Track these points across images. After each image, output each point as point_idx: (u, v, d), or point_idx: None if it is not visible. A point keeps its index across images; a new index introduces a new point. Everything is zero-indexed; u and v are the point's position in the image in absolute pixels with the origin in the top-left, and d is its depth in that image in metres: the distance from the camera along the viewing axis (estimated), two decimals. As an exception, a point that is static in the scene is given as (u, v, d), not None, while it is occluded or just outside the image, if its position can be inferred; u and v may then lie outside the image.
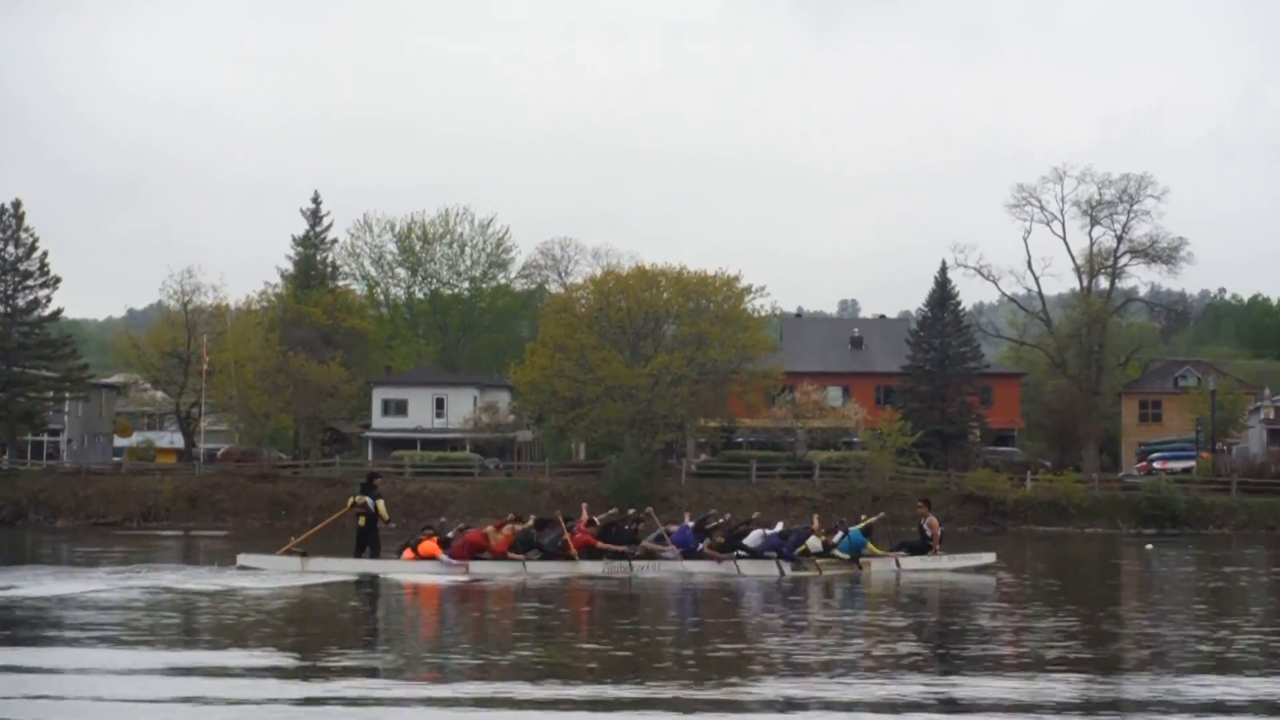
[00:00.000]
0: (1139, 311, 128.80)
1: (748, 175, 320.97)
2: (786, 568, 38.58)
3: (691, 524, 40.96)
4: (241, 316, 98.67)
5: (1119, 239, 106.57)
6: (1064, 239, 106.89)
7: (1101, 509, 79.40)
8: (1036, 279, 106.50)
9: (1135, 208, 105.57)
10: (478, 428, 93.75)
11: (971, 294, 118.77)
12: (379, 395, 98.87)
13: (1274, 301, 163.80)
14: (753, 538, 39.99)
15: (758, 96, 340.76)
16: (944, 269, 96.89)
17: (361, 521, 38.10)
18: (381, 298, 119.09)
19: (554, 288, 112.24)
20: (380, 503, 38.40)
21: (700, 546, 39.58)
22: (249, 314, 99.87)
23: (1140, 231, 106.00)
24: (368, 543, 37.97)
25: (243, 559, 37.81)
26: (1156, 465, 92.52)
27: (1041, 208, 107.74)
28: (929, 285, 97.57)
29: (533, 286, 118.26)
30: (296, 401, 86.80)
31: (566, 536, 38.21)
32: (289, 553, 37.67)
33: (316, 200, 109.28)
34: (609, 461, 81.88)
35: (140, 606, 27.67)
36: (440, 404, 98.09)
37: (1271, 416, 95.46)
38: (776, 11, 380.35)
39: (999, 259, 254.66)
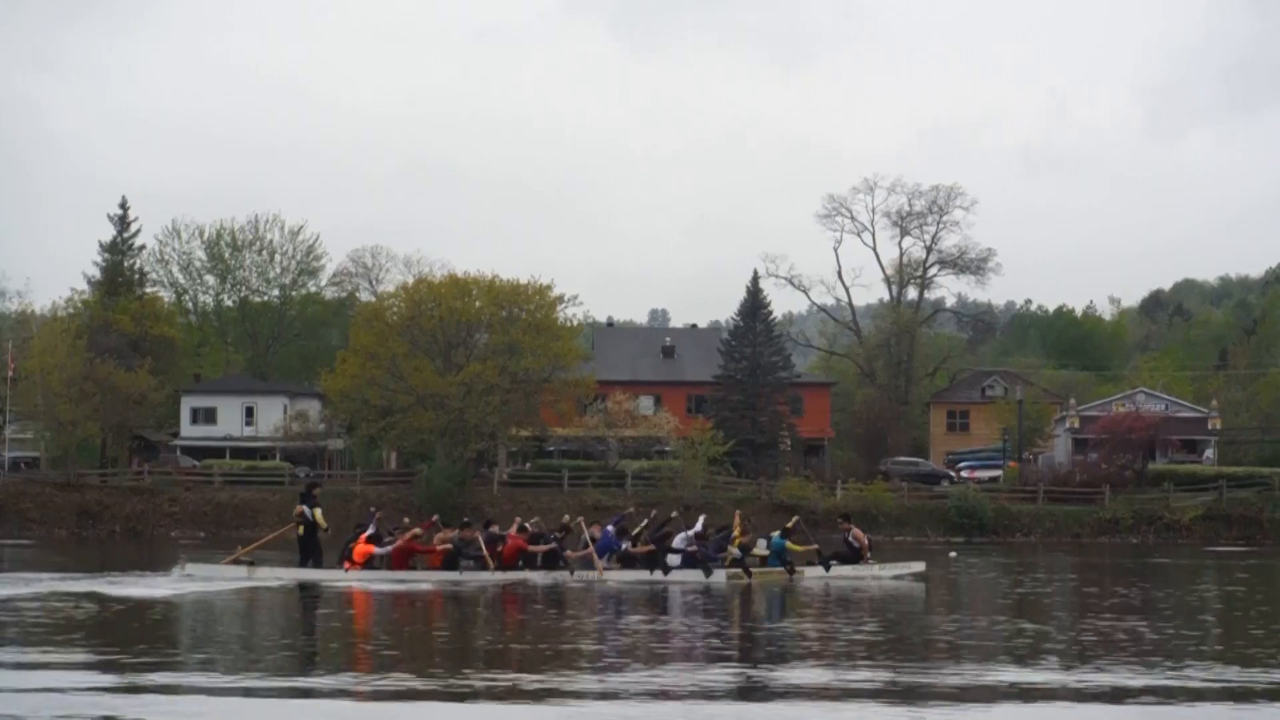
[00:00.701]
0: (947, 322, 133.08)
1: (560, 183, 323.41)
2: (717, 574, 39.46)
3: (611, 528, 41.81)
4: (47, 324, 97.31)
5: (928, 249, 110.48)
6: (874, 249, 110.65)
7: (911, 517, 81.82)
8: (847, 289, 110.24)
9: (945, 218, 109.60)
10: (288, 436, 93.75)
11: (783, 304, 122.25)
12: (188, 403, 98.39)
13: (1078, 312, 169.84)
14: (678, 541, 40.75)
15: (570, 104, 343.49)
16: (755, 279, 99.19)
17: (300, 530, 39.05)
18: (190, 305, 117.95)
19: (365, 296, 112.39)
20: (318, 511, 39.29)
21: (624, 547, 40.70)
22: (55, 321, 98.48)
23: (949, 242, 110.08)
24: (310, 551, 38.94)
25: (190, 568, 38.17)
26: (964, 474, 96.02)
27: (852, 218, 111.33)
28: (740, 295, 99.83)
29: (343, 295, 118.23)
30: (104, 410, 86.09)
31: (484, 551, 38.88)
32: (236, 562, 38.41)
33: (124, 206, 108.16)
34: (421, 470, 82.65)
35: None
36: (250, 412, 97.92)
37: (1076, 426, 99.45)
38: (590, 19, 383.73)
39: (810, 269, 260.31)
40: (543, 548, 39.95)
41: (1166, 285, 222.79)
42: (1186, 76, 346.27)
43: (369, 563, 38.50)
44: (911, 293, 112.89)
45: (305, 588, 35.77)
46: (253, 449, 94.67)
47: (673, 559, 39.99)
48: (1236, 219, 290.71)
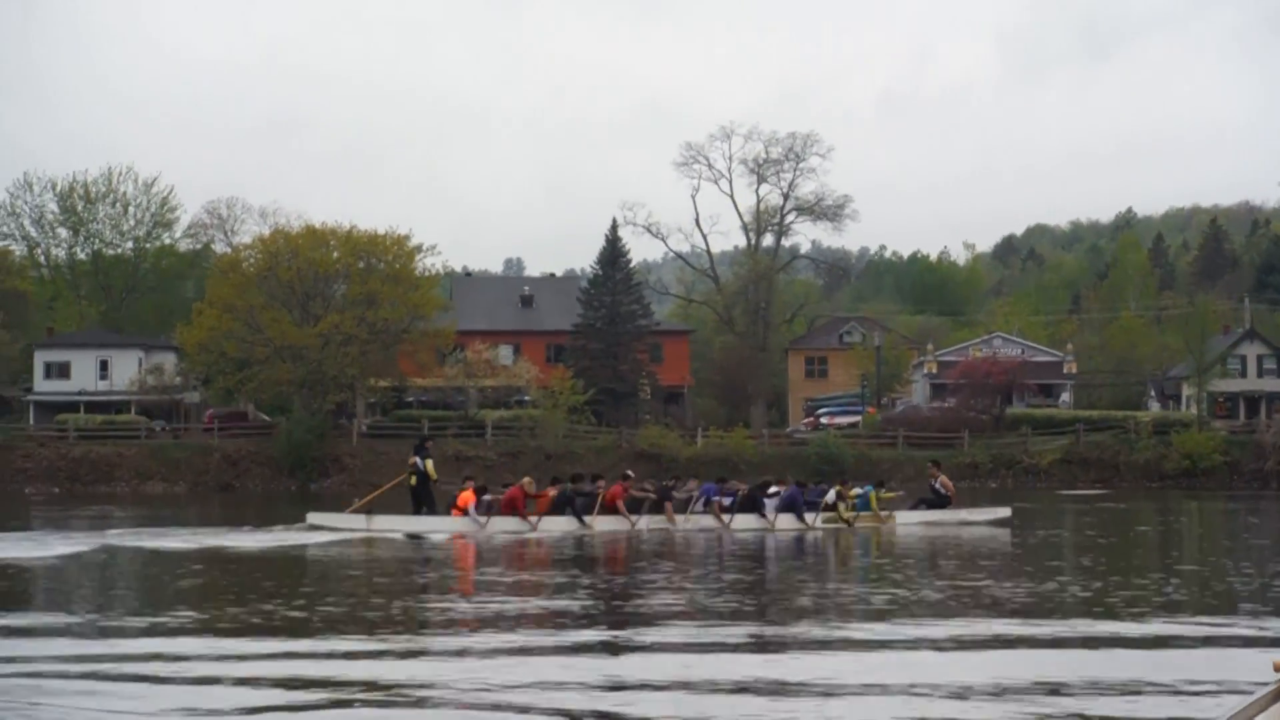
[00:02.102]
0: (805, 268, 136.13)
1: (415, 133, 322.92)
2: (813, 519, 42.12)
3: (713, 484, 44.25)
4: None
5: (785, 197, 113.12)
6: (731, 197, 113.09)
7: (772, 464, 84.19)
8: (704, 236, 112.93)
9: (801, 166, 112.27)
10: (143, 390, 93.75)
11: (641, 252, 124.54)
12: (41, 358, 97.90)
13: (933, 258, 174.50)
14: (774, 491, 43.14)
15: (426, 53, 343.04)
16: (614, 227, 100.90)
17: (413, 481, 41.46)
18: (43, 258, 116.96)
19: (220, 248, 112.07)
20: (429, 463, 41.72)
21: (725, 500, 42.62)
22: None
23: (806, 189, 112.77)
24: (423, 500, 41.32)
25: (312, 517, 40.72)
26: (824, 420, 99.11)
27: (709, 165, 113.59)
28: (598, 245, 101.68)
29: (198, 246, 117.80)
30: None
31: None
32: (355, 512, 40.64)
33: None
34: (280, 423, 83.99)
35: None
36: (104, 366, 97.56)
37: (934, 371, 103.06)
38: None
39: (669, 217, 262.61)
40: (648, 495, 42.02)
41: (1019, 230, 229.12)
42: (1044, 22, 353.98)
43: (477, 508, 40.50)
44: (769, 240, 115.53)
45: (415, 536, 38.04)
46: (108, 403, 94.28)
47: (769, 508, 42.41)
48: (1088, 164, 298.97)
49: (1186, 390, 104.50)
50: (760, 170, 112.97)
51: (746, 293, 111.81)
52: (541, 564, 30.98)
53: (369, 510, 40.86)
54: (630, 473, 45.67)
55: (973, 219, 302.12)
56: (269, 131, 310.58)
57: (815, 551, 35.14)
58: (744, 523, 41.81)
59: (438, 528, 39.50)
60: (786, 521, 42.01)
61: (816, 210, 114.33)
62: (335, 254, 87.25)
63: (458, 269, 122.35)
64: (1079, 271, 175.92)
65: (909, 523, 43.60)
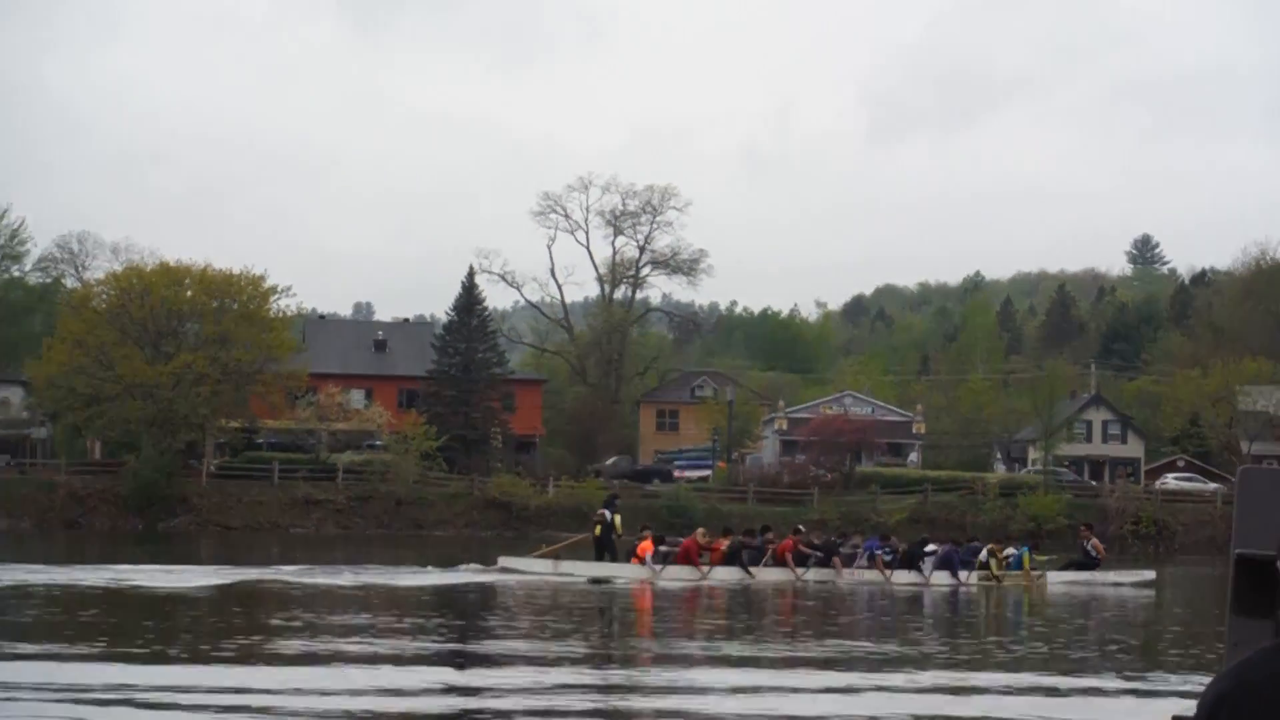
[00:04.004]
0: (658, 321, 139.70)
1: (269, 174, 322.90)
2: (967, 576, 46.30)
3: (877, 540, 49.09)
4: None
5: (641, 249, 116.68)
6: (587, 248, 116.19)
7: (623, 515, 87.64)
8: (559, 287, 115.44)
9: (658, 219, 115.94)
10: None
11: (496, 299, 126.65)
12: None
13: (785, 315, 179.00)
14: (931, 547, 47.83)
15: (283, 93, 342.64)
16: (470, 274, 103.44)
17: (598, 531, 46.81)
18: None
19: (71, 283, 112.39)
20: (617, 517, 47.29)
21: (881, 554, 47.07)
22: None
23: (663, 243, 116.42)
24: (605, 548, 46.28)
25: (503, 561, 45.70)
26: (675, 473, 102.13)
27: (566, 216, 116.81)
28: (453, 290, 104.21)
29: (48, 280, 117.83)
30: None
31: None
32: (543, 557, 46.24)
33: None
34: (128, 461, 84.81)
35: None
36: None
37: (785, 428, 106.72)
38: (317, 11, 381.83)
39: (525, 266, 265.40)
40: (815, 551, 46.44)
41: (869, 290, 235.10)
42: (909, 82, 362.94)
43: (655, 557, 45.06)
44: (624, 292, 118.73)
45: (597, 581, 42.77)
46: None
47: (927, 565, 46.61)
48: (939, 226, 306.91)
49: (1033, 453, 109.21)
50: (617, 222, 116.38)
51: (600, 344, 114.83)
52: (714, 610, 35.46)
53: (556, 556, 46.15)
54: (801, 528, 50.89)
55: (825, 277, 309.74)
56: (121, 168, 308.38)
57: (968, 607, 39.35)
58: (903, 578, 46.02)
59: (619, 574, 44.06)
60: (942, 578, 46.28)
61: (672, 264, 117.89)
62: (189, 293, 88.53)
63: (314, 311, 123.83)
64: (928, 333, 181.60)
65: (1059, 582, 47.74)
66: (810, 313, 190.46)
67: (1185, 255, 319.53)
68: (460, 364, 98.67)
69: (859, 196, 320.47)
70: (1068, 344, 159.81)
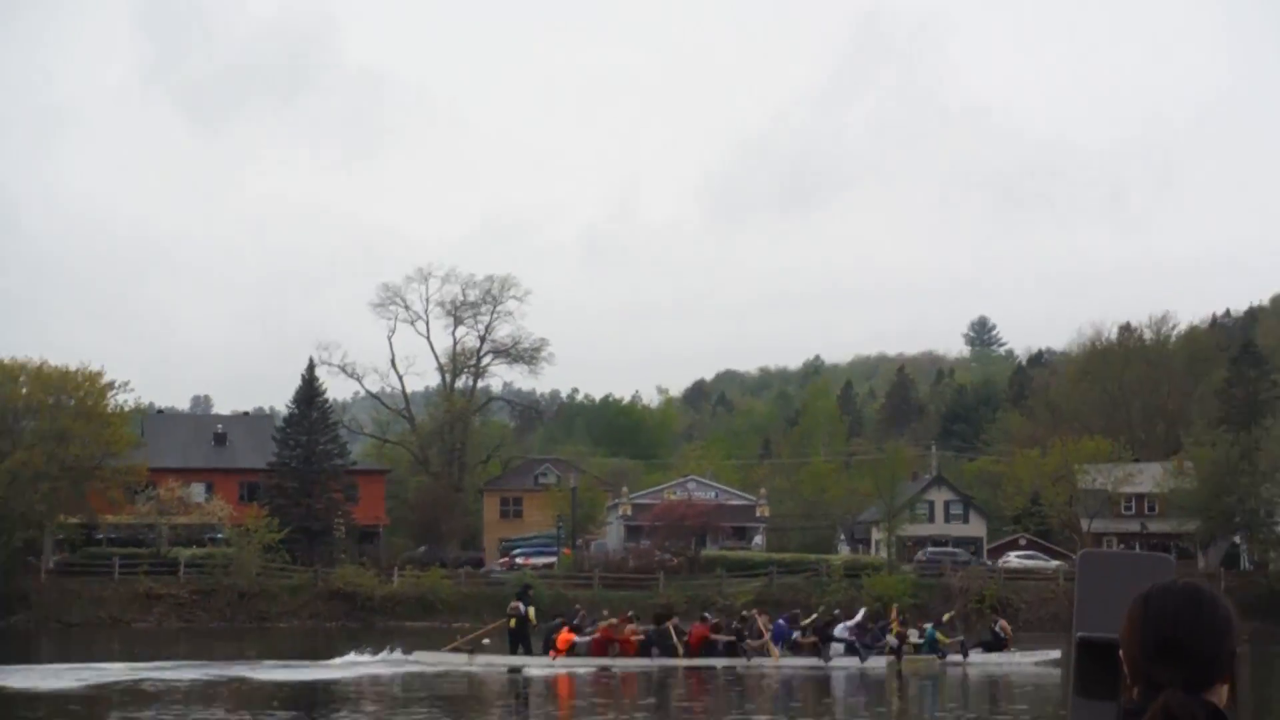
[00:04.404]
0: (500, 409, 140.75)
1: (109, 263, 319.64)
2: (874, 661, 47.27)
3: (784, 621, 49.81)
4: None
5: (482, 339, 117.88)
6: (428, 338, 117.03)
7: (468, 603, 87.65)
8: (400, 377, 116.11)
9: (499, 309, 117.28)
10: None
11: (338, 391, 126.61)
12: None
13: (626, 401, 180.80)
14: (839, 631, 48.78)
15: (123, 181, 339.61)
16: (311, 366, 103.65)
17: (513, 623, 47.24)
18: None
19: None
20: (531, 609, 47.88)
21: (795, 636, 48.37)
22: None
23: (503, 332, 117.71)
24: (519, 641, 46.88)
25: (417, 655, 46.51)
26: (519, 560, 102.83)
27: (406, 307, 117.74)
28: (293, 381, 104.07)
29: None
30: None
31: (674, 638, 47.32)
32: (456, 650, 46.72)
33: None
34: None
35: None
36: None
37: (629, 513, 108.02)
38: (158, 99, 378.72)
39: (366, 356, 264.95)
40: (725, 637, 47.89)
41: (710, 375, 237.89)
42: (750, 169, 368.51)
43: (571, 649, 46.17)
44: (466, 380, 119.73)
45: (515, 670, 44.17)
46: None
47: (835, 648, 47.65)
48: (779, 311, 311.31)
49: (876, 534, 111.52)
50: (457, 312, 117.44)
51: (442, 434, 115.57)
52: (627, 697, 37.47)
53: (471, 650, 46.88)
54: (707, 615, 52.35)
55: (666, 362, 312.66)
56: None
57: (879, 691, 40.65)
58: (810, 660, 47.81)
59: (534, 664, 45.35)
60: (848, 660, 47.92)
61: (513, 353, 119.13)
62: (24, 389, 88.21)
63: (152, 405, 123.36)
64: (769, 417, 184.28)
65: (970, 664, 49.17)
66: (652, 399, 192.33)
67: (1022, 337, 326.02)
68: (302, 456, 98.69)
69: (700, 283, 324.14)
70: (908, 426, 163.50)
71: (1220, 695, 3.61)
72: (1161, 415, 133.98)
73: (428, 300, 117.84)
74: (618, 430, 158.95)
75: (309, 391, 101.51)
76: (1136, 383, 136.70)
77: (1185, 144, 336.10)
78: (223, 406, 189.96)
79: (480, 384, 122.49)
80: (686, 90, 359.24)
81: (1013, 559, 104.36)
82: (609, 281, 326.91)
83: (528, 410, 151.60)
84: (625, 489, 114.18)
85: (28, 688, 37.23)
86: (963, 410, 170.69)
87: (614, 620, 49.57)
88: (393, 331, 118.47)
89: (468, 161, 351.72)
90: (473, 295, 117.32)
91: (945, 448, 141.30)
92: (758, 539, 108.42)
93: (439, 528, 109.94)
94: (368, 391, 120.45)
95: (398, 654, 47.98)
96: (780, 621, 50.72)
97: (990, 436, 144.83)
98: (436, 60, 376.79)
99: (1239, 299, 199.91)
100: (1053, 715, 34.46)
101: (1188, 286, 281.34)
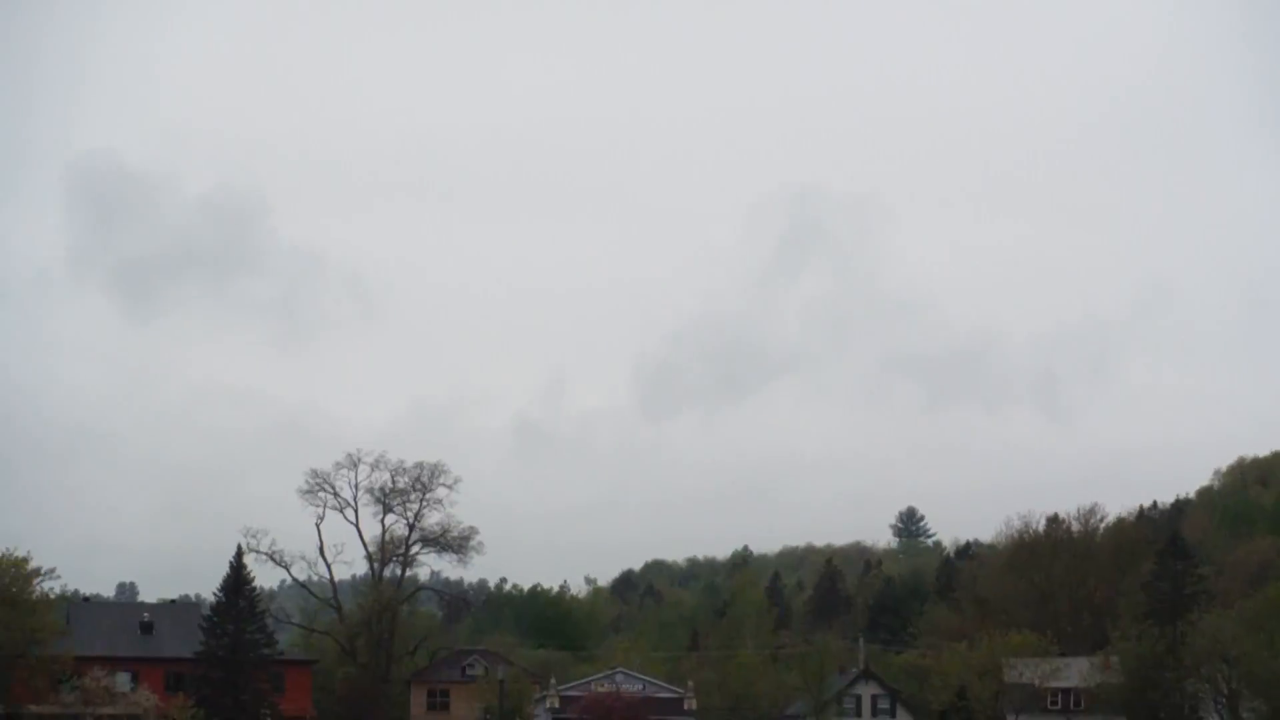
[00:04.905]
0: (429, 599, 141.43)
1: (36, 451, 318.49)
2: None
3: None
4: None
5: (411, 527, 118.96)
6: (356, 525, 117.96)
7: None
8: (329, 565, 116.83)
9: (428, 496, 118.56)
10: None
11: (265, 579, 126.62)
12: None
13: (555, 591, 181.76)
14: None
15: (51, 368, 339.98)
16: (239, 554, 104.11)
17: None
18: None
19: None
20: None
21: None
22: None
23: (432, 520, 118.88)
24: None
25: None
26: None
27: (335, 494, 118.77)
28: (221, 569, 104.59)
29: None
30: None
31: None
32: None
33: None
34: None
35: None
36: None
37: (557, 705, 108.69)
38: (90, 282, 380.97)
39: (294, 544, 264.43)
40: None
41: (638, 566, 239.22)
42: (682, 360, 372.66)
43: None
44: (394, 569, 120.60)
45: None
46: None
47: None
48: (708, 501, 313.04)
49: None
50: (386, 500, 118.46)
51: (370, 624, 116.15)
52: None
53: None
54: None
55: (595, 552, 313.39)
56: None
57: None
58: None
59: None
60: None
61: (442, 542, 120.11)
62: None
63: (74, 591, 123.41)
64: (697, 608, 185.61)
65: None
66: (580, 589, 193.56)
67: (950, 528, 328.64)
68: (228, 645, 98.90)
69: (630, 471, 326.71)
70: (836, 617, 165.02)
71: None
72: (1088, 608, 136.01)
73: (356, 487, 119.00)
74: (546, 620, 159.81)
75: (236, 579, 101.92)
76: (1064, 575, 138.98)
77: (1117, 336, 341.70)
78: (149, 594, 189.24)
79: (408, 573, 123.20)
80: (618, 277, 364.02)
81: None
82: (539, 469, 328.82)
83: (456, 600, 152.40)
84: (553, 680, 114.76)
85: None
86: (891, 602, 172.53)
87: None
88: (321, 519, 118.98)
89: (398, 346, 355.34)
90: (402, 482, 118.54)
91: (873, 640, 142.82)
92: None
93: (366, 719, 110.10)
94: (295, 580, 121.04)
95: None
96: None
97: (918, 629, 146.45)
98: (368, 244, 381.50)
99: (1166, 491, 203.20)
100: None
101: (1115, 479, 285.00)
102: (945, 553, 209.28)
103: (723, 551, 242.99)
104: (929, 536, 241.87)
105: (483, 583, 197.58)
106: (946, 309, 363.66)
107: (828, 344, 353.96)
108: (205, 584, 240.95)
